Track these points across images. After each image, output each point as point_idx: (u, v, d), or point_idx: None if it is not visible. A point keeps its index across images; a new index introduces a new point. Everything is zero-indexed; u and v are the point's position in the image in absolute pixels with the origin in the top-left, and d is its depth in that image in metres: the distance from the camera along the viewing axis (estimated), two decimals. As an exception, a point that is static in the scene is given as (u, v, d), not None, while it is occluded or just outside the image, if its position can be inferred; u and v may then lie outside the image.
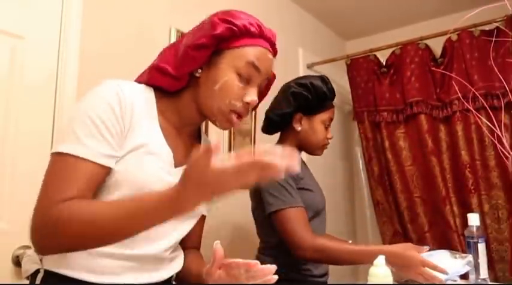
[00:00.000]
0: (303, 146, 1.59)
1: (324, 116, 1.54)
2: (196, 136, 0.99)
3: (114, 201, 0.74)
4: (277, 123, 1.59)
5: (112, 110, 0.76)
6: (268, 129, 1.64)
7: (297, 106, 1.54)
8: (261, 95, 0.96)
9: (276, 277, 0.73)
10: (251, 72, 0.85)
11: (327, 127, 1.55)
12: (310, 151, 1.60)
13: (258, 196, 1.48)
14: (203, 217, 1.03)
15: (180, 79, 0.86)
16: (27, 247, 1.27)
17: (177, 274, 0.94)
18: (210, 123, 1.98)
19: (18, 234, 1.27)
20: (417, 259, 1.20)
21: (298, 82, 1.58)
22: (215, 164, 0.60)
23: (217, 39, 0.82)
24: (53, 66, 1.41)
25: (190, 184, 0.63)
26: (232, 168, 0.60)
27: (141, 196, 0.70)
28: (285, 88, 1.61)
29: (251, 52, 0.85)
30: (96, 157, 0.73)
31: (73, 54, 1.45)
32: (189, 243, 1.00)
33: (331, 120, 1.56)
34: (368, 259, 1.08)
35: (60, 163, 0.73)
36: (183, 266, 0.94)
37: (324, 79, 1.57)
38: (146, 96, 0.85)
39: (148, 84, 0.88)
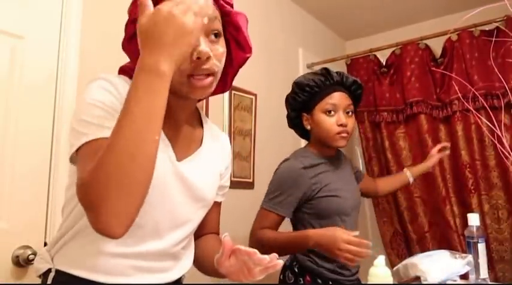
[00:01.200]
0: (322, 143, 1.54)
1: (321, 105, 1.49)
2: (196, 123, 0.93)
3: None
4: (295, 128, 1.65)
5: (109, 92, 0.73)
6: (302, 135, 1.68)
7: (294, 109, 1.58)
8: (241, 37, 0.84)
9: (281, 262, 0.71)
10: None
11: (331, 114, 1.47)
12: (329, 144, 1.51)
13: None
14: (218, 204, 1.01)
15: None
16: (27, 247, 1.27)
17: (195, 261, 0.94)
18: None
19: (18, 234, 1.27)
20: (340, 236, 1.22)
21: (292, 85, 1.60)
22: None
23: (135, 22, 0.73)
24: (53, 66, 1.41)
25: None
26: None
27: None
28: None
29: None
30: None
31: (73, 54, 1.45)
32: (207, 230, 0.99)
33: (333, 105, 1.48)
34: (296, 244, 1.36)
35: (87, 150, 0.68)
36: (200, 254, 0.94)
37: (312, 73, 1.55)
38: None
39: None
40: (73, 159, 0.74)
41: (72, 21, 1.46)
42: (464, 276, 1.31)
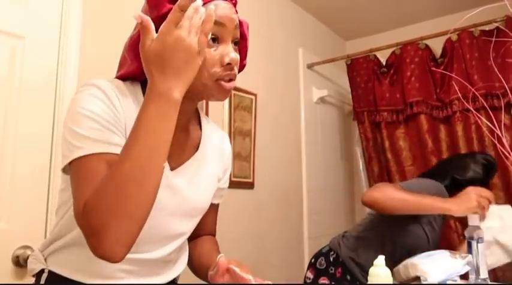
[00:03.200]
0: None
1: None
2: (195, 126, 0.90)
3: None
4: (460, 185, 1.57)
5: (102, 101, 0.71)
6: (450, 188, 1.60)
7: (480, 179, 1.60)
8: (243, 45, 0.86)
9: None
10: (214, 30, 0.73)
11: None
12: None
13: None
14: (216, 205, 1.00)
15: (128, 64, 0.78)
16: (27, 247, 1.27)
17: (189, 264, 0.94)
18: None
19: (18, 234, 1.27)
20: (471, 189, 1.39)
21: (482, 160, 1.65)
22: None
23: (164, 17, 0.70)
24: (53, 66, 1.41)
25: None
26: None
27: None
28: (478, 159, 1.67)
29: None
30: (112, 147, 0.68)
31: (73, 54, 1.45)
32: (203, 232, 0.98)
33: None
34: (434, 211, 1.43)
35: (82, 166, 0.68)
36: (195, 258, 0.93)
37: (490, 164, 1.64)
38: (132, 94, 0.78)
39: (130, 77, 0.80)
40: (66, 170, 0.73)
41: (72, 21, 1.46)
42: (464, 276, 1.31)
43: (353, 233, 1.65)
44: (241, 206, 2.13)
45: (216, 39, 0.75)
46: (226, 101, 2.14)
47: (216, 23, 0.72)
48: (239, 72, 0.86)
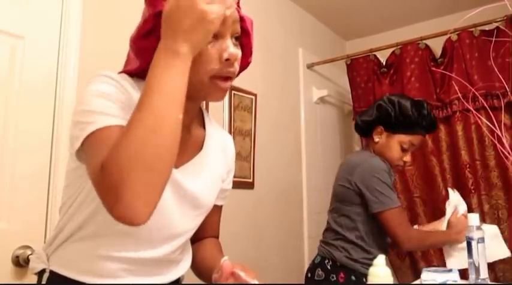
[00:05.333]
0: (380, 156, 1.64)
1: (403, 138, 1.59)
2: (199, 125, 0.89)
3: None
4: (362, 128, 1.72)
5: (113, 85, 0.71)
6: (356, 130, 1.77)
7: (378, 119, 1.64)
8: (247, 42, 0.83)
9: None
10: None
11: (404, 150, 1.59)
12: (386, 163, 1.62)
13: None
14: (219, 207, 0.99)
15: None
16: (27, 247, 1.27)
17: (192, 266, 0.93)
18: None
19: (18, 234, 1.27)
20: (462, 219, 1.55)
21: (390, 97, 1.65)
22: None
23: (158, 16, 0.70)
24: (53, 66, 1.41)
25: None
26: None
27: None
28: (378, 99, 1.71)
29: None
30: (125, 121, 0.65)
31: (73, 54, 1.45)
32: (206, 234, 0.97)
33: (412, 144, 1.59)
34: (444, 243, 1.56)
35: (97, 139, 0.65)
36: (199, 261, 0.92)
37: (419, 104, 1.60)
38: (137, 92, 0.76)
39: (134, 75, 0.79)
40: (79, 154, 0.69)
41: (72, 21, 1.46)
42: (464, 276, 1.31)
43: (332, 237, 1.66)
44: (241, 206, 2.13)
45: (213, 35, 0.71)
46: (226, 101, 2.14)
47: None
48: (243, 69, 0.85)
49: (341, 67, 2.89)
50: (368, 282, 0.93)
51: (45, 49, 1.40)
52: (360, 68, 2.73)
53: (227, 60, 0.72)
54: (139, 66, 0.75)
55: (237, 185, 2.16)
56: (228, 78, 0.74)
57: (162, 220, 0.78)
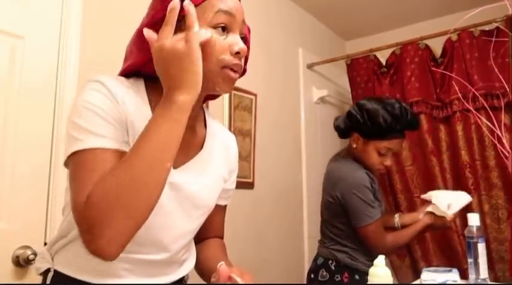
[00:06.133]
0: (362, 164, 1.63)
1: (379, 144, 1.57)
2: (200, 124, 0.88)
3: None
4: (340, 132, 1.72)
5: (105, 96, 0.71)
6: (337, 133, 1.75)
7: (350, 127, 1.63)
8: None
9: None
10: (224, 19, 0.75)
11: (382, 155, 1.58)
12: (366, 168, 1.63)
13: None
14: (222, 207, 0.99)
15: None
16: (27, 247, 1.27)
17: (196, 267, 0.93)
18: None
19: (18, 234, 1.27)
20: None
21: (360, 103, 1.62)
22: None
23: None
24: (53, 66, 1.41)
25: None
26: None
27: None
28: (352, 105, 1.69)
29: (213, 1, 0.75)
30: (113, 143, 0.69)
31: (73, 54, 1.45)
32: (210, 234, 0.97)
33: (389, 149, 1.57)
34: (420, 233, 1.66)
35: (82, 160, 0.67)
36: (202, 261, 0.92)
37: (391, 106, 1.54)
38: (134, 91, 0.78)
39: (134, 73, 0.81)
40: (67, 164, 0.72)
41: (72, 21, 1.46)
42: (464, 276, 1.31)
43: (330, 243, 1.68)
44: (241, 206, 2.13)
45: (225, 29, 0.75)
46: (226, 101, 2.14)
47: (227, 12, 0.75)
48: (240, 76, 0.85)
49: (341, 67, 2.89)
50: (368, 282, 0.93)
51: (45, 49, 1.40)
52: (360, 68, 2.73)
53: (237, 53, 0.75)
54: (142, 58, 0.76)
55: (237, 185, 2.15)
56: (234, 70, 0.76)
57: (163, 221, 0.78)
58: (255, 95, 2.29)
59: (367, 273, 1.50)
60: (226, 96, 2.14)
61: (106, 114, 0.70)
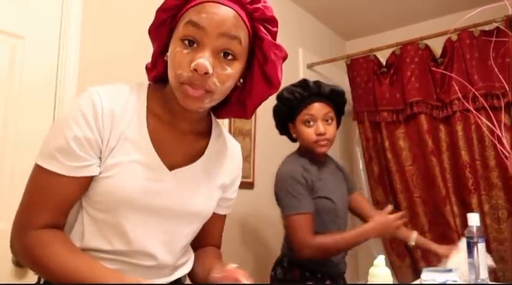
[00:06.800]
0: (308, 149, 1.63)
1: (301, 116, 1.59)
2: (203, 133, 0.87)
3: (79, 255, 0.71)
4: (285, 135, 1.73)
5: (86, 122, 0.71)
6: (289, 138, 1.75)
7: (280, 119, 1.68)
8: (270, 68, 0.80)
9: None
10: (191, 32, 0.70)
11: (310, 125, 1.57)
12: (312, 151, 1.61)
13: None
14: (221, 216, 0.96)
15: (155, 63, 0.82)
16: (27, 247, 1.27)
17: (190, 274, 0.91)
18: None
19: (18, 234, 1.27)
20: (389, 219, 1.47)
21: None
22: None
23: (165, 11, 0.76)
24: (53, 66, 1.41)
25: None
26: None
27: (99, 268, 0.69)
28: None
29: (191, 11, 0.72)
30: (71, 171, 0.71)
31: (73, 54, 1.45)
32: (207, 243, 0.95)
33: (311, 116, 1.57)
34: (359, 242, 1.48)
35: (38, 178, 0.73)
36: (198, 270, 0.89)
37: (292, 85, 1.61)
38: (135, 98, 0.78)
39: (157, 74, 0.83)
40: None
41: (72, 21, 1.46)
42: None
43: (285, 234, 1.69)
44: (241, 206, 2.13)
45: (193, 42, 0.71)
46: (226, 101, 2.14)
47: (195, 25, 0.70)
48: (264, 99, 0.83)
49: (341, 67, 2.89)
50: (368, 282, 0.93)
51: (45, 49, 1.40)
52: (360, 68, 2.73)
53: (194, 70, 0.69)
54: (157, 47, 0.79)
55: (237, 185, 2.17)
56: (195, 87, 0.71)
57: (155, 227, 0.78)
58: (255, 95, 2.29)
59: (319, 272, 1.53)
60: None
61: (79, 144, 0.71)
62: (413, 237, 1.70)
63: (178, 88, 0.72)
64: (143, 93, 0.80)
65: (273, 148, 2.41)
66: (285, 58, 0.82)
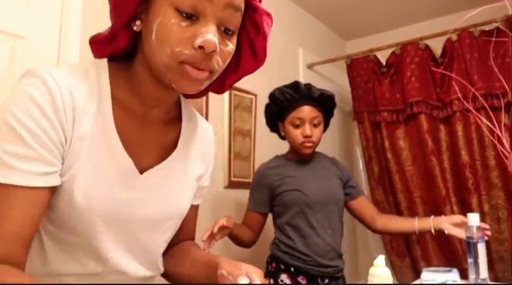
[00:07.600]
0: (294, 149, 1.72)
1: (290, 118, 1.66)
2: (174, 120, 0.76)
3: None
4: (276, 132, 1.81)
5: (44, 115, 0.57)
6: (279, 136, 1.83)
7: (270, 118, 1.76)
8: (259, 41, 0.69)
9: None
10: (194, 2, 0.57)
11: (297, 127, 1.64)
12: (296, 151, 1.70)
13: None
14: (195, 207, 0.87)
15: (115, 36, 0.66)
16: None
17: (167, 274, 0.83)
18: (209, 108, 1.97)
19: (18, 234, 1.27)
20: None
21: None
22: None
23: None
24: (53, 66, 1.41)
25: None
26: None
27: None
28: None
29: None
30: (30, 180, 0.56)
31: (73, 54, 1.45)
32: (183, 237, 0.86)
33: (299, 119, 1.63)
34: None
35: None
36: (186, 266, 0.82)
37: (284, 86, 1.69)
38: (95, 83, 0.65)
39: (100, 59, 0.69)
40: None
41: (72, 21, 1.46)
42: (464, 276, 1.31)
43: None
44: (241, 206, 2.12)
45: (192, 15, 0.58)
46: (227, 101, 2.13)
47: None
48: (247, 73, 0.74)
49: (341, 67, 2.89)
50: (368, 282, 0.93)
51: (45, 49, 1.40)
52: (360, 68, 2.73)
53: (201, 47, 0.58)
54: (117, 21, 0.64)
55: (237, 185, 2.17)
56: (198, 67, 0.60)
57: (129, 235, 0.70)
58: (255, 95, 2.29)
59: (292, 266, 1.60)
60: (226, 96, 2.14)
61: (33, 137, 0.56)
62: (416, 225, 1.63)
63: (175, 68, 0.60)
64: (104, 76, 0.66)
65: (273, 148, 2.41)
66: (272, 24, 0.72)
